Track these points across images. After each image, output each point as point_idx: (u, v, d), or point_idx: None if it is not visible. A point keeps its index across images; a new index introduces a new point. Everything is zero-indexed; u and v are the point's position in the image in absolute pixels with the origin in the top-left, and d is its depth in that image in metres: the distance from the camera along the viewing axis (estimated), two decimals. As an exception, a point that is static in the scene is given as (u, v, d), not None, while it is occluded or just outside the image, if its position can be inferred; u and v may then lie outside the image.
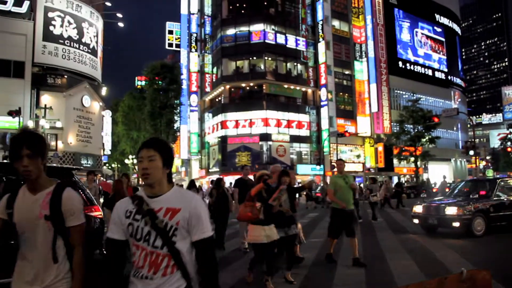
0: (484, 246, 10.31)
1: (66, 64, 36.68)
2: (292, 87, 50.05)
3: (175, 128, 43.27)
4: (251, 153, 47.36)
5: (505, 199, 12.56)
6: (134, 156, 57.42)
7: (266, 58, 49.62)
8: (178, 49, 59.46)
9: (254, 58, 50.42)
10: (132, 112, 53.32)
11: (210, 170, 51.70)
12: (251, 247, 7.62)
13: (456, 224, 11.73)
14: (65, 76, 36.80)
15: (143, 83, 51.02)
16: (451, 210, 12.05)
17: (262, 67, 49.79)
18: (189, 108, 56.12)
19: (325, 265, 8.16)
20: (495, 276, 4.57)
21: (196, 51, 56.82)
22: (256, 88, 49.39)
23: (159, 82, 40.31)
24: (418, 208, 13.08)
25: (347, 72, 53.99)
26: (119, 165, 64.44)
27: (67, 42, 36.76)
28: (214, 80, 54.19)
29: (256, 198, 6.36)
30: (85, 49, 38.78)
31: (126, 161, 57.43)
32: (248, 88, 49.95)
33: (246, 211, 6.28)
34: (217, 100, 53.04)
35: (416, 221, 13.05)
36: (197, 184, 25.84)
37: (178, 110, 42.98)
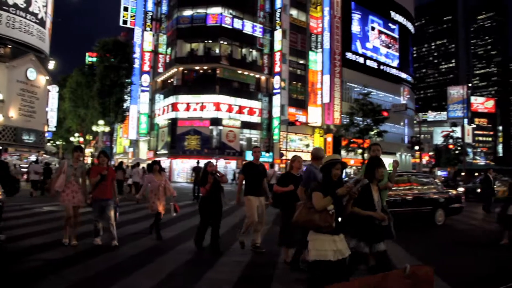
0: (427, 239, 10.57)
1: (10, 33, 34.86)
2: (246, 73, 49.92)
3: (124, 107, 42.35)
4: (200, 137, 47.04)
5: (415, 194, 12.74)
6: (80, 134, 55.95)
7: (221, 42, 49.20)
8: (132, 27, 57.78)
9: (210, 41, 49.86)
10: (80, 88, 51.73)
11: (158, 152, 51.03)
12: (305, 266, 6.01)
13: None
14: (9, 46, 35.08)
15: (94, 59, 49.51)
16: None
17: (217, 51, 49.35)
18: (140, 88, 54.97)
19: (268, 253, 8.10)
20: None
21: (150, 30, 55.55)
22: (209, 72, 48.92)
23: (111, 59, 39.22)
24: None
25: (301, 62, 54.33)
26: (64, 143, 62.55)
27: (12, 10, 34.85)
28: (167, 61, 53.28)
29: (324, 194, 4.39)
30: (33, 18, 36.97)
31: (72, 138, 55.87)
32: (201, 71, 49.41)
33: (313, 218, 4.33)
34: (169, 81, 52.22)
35: None
36: (143, 165, 25.38)
37: (128, 90, 42.12)
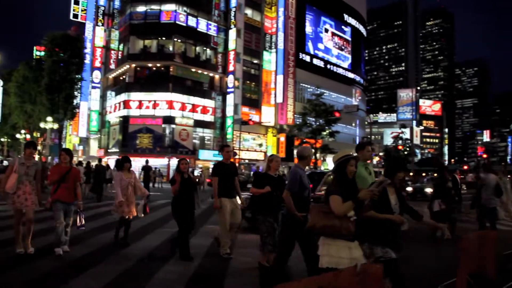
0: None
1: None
2: (199, 71, 49.61)
3: (74, 104, 41.06)
4: (153, 135, 46.39)
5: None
6: (26, 131, 53.94)
7: (175, 39, 48.66)
8: (83, 21, 56.24)
9: (163, 38, 49.24)
10: (27, 83, 49.63)
11: (109, 150, 49.92)
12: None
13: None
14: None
15: (42, 53, 47.82)
16: None
17: (171, 48, 48.79)
18: (91, 85, 53.50)
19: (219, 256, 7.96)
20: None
21: (102, 25, 54.25)
22: (163, 69, 48.32)
23: (60, 54, 37.99)
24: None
25: (255, 61, 54.50)
26: (9, 140, 60.14)
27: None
28: (119, 57, 52.21)
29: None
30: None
31: (18, 135, 53.75)
32: (154, 68, 48.73)
33: (333, 223, 3.98)
34: (121, 78, 51.21)
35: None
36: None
37: (78, 86, 40.82)
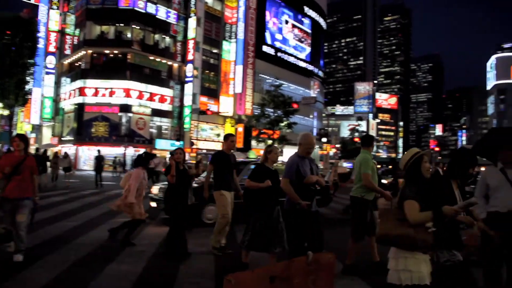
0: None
1: None
2: (158, 59, 48.91)
3: (26, 90, 39.73)
4: (109, 124, 45.52)
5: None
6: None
7: (134, 26, 47.71)
8: (37, 3, 54.20)
9: (121, 25, 48.17)
10: (-25, 67, 47.78)
11: (63, 139, 48.69)
12: None
13: None
14: None
15: (-8, 36, 45.90)
16: None
17: (129, 35, 47.82)
18: (44, 70, 51.74)
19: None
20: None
21: (57, 8, 52.46)
22: (120, 56, 47.34)
23: (11, 37, 36.56)
24: (155, 189, 11.15)
25: (215, 51, 54.16)
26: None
27: None
28: (75, 43, 50.76)
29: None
30: None
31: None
32: (112, 55, 47.67)
33: (407, 233, 3.42)
34: (77, 64, 49.83)
35: (153, 204, 10.91)
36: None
37: (31, 71, 39.45)
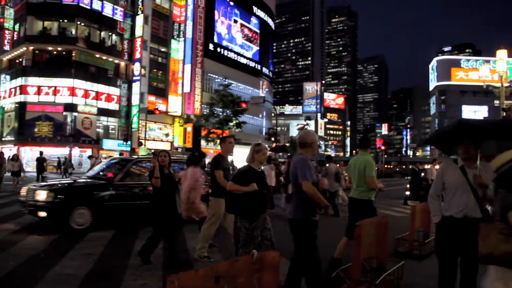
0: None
1: None
2: (104, 57, 47.72)
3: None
4: (53, 123, 44.03)
5: (132, 185, 9.96)
6: None
7: (78, 23, 46.29)
8: (-27, -3, 51.75)
9: (65, 21, 46.59)
10: None
11: (3, 139, 46.61)
12: None
13: (43, 214, 8.85)
14: None
15: None
16: (41, 195, 8.91)
17: (74, 32, 46.33)
18: (-19, 67, 49.45)
19: (123, 245, 7.82)
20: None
21: (-5, 2, 50.20)
22: (64, 53, 45.82)
23: None
24: (23, 191, 9.73)
25: (163, 50, 53.47)
26: None
27: None
28: (15, 38, 48.68)
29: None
30: None
31: None
32: (55, 52, 46.05)
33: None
34: (17, 61, 47.82)
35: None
36: None
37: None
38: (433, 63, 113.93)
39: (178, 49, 54.23)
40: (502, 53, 22.17)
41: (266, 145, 68.10)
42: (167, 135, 53.01)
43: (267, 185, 5.36)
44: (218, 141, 43.49)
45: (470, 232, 3.72)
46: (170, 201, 6.64)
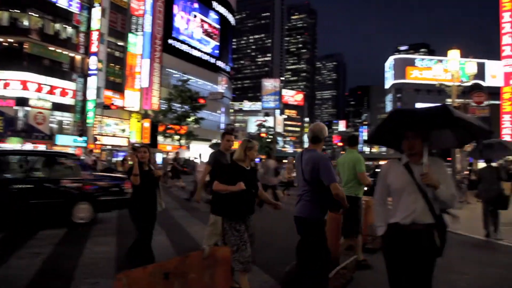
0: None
1: None
2: (59, 50, 46.25)
3: None
4: (3, 118, 42.25)
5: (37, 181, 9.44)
6: None
7: (31, 13, 44.69)
8: None
9: (17, 11, 44.88)
10: None
11: (-51, 134, 44.62)
12: None
13: None
14: None
15: None
16: None
17: (26, 23, 44.68)
18: None
19: (75, 243, 7.67)
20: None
21: None
22: (16, 45, 44.11)
23: None
24: None
25: (120, 44, 52.39)
26: None
27: None
28: (-38, 28, 46.62)
29: None
30: None
31: None
32: (6, 44, 44.24)
33: None
34: (-35, 52, 45.83)
35: None
36: None
37: None
38: (390, 61, 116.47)
39: (136, 43, 53.27)
40: (454, 53, 22.94)
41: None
42: (123, 130, 52.08)
43: (256, 184, 5.07)
44: (177, 137, 43.39)
45: (420, 241, 3.32)
46: (150, 200, 6.28)
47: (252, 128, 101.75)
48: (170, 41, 61.22)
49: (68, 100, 46.63)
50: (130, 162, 6.47)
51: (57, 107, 45.52)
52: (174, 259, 3.39)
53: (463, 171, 24.01)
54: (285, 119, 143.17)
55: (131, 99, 52.03)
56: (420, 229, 3.33)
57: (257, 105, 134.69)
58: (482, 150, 11.71)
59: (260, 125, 79.76)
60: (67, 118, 47.25)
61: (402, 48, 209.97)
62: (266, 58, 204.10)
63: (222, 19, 78.31)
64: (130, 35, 52.76)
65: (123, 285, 2.73)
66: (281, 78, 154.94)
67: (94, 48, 47.63)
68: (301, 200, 4.61)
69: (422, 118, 3.46)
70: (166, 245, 7.83)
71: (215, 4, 75.57)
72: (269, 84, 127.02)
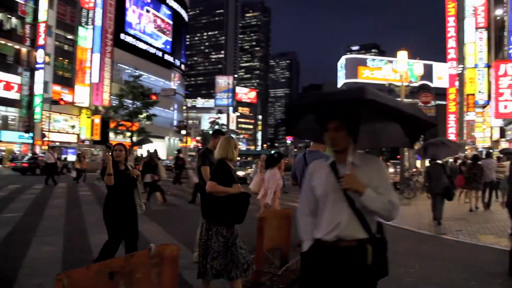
0: (189, 221, 10.40)
1: None
2: (3, 42, 44.35)
3: None
4: None
5: None
6: None
7: (-28, 3, 42.74)
8: None
9: (-43, 0, 42.84)
10: None
11: None
12: None
13: None
14: None
15: None
16: None
17: (-33, 13, 42.74)
18: None
19: (19, 243, 7.37)
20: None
21: None
22: (-44, 36, 42.13)
23: None
24: None
25: (69, 37, 50.82)
26: None
27: None
28: None
29: None
30: None
31: None
32: None
33: None
34: None
35: None
36: None
37: None
38: (342, 61, 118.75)
39: (86, 37, 51.82)
40: (402, 54, 23.61)
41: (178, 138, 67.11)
42: (73, 127, 50.63)
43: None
44: (128, 134, 42.52)
45: (350, 260, 2.54)
46: (127, 201, 5.71)
47: (205, 125, 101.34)
48: (122, 35, 60.03)
49: (13, 95, 44.77)
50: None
51: (1, 101, 43.68)
52: (119, 258, 3.25)
53: (412, 169, 24.83)
54: (238, 117, 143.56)
55: (81, 95, 50.61)
56: (348, 246, 2.54)
57: (210, 102, 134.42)
58: (427, 148, 12.27)
59: (214, 123, 79.40)
60: (12, 113, 45.39)
61: (354, 48, 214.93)
62: (219, 55, 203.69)
63: (175, 14, 77.47)
64: (80, 28, 51.25)
65: (62, 286, 2.58)
66: (235, 76, 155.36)
67: (41, 40, 45.99)
68: None
69: (338, 102, 2.61)
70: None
71: (168, 0, 74.69)
72: (223, 81, 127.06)
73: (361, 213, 2.55)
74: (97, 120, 51.47)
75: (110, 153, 5.76)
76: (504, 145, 36.67)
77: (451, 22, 54.93)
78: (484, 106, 44.02)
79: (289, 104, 3.01)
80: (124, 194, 5.69)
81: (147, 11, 68.79)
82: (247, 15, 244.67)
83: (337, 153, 2.68)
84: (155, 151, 15.65)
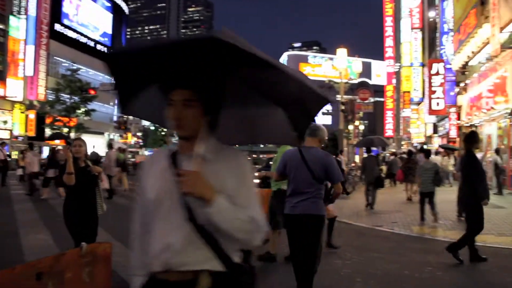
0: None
1: None
2: None
3: None
4: None
5: None
6: None
7: None
8: None
9: None
10: None
11: None
12: None
13: None
14: None
15: None
16: None
17: None
18: None
19: None
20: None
21: None
22: None
23: None
24: None
25: (0, 27, 48.33)
26: None
27: None
28: None
29: None
30: None
31: None
32: None
33: None
34: None
35: None
36: None
37: None
38: (284, 57, 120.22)
39: (18, 27, 49.34)
40: (342, 52, 24.11)
41: (118, 134, 66.02)
42: (5, 122, 48.24)
43: None
44: (66, 130, 41.12)
45: None
46: (88, 201, 5.31)
47: (146, 121, 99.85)
48: (58, 27, 57.76)
49: None
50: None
51: None
52: (48, 258, 3.16)
53: (351, 163, 25.45)
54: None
55: (13, 88, 48.20)
56: (177, 282, 1.67)
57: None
58: (364, 143, 13.66)
59: (155, 119, 78.62)
60: None
61: (296, 44, 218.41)
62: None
63: (115, 7, 75.51)
64: (11, 17, 48.68)
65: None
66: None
67: (-32, 30, 43.39)
68: (309, 198, 4.40)
69: (176, 46, 1.69)
70: (48, 244, 7.29)
71: (107, -9, 72.79)
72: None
73: (206, 231, 1.66)
74: (32, 115, 49.35)
75: (69, 150, 5.24)
76: (437, 140, 38.46)
77: (388, 22, 56.86)
78: (419, 103, 45.93)
79: (108, 56, 1.97)
80: (85, 193, 5.26)
81: (85, 2, 66.67)
82: (190, 9, 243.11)
83: (183, 140, 1.79)
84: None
